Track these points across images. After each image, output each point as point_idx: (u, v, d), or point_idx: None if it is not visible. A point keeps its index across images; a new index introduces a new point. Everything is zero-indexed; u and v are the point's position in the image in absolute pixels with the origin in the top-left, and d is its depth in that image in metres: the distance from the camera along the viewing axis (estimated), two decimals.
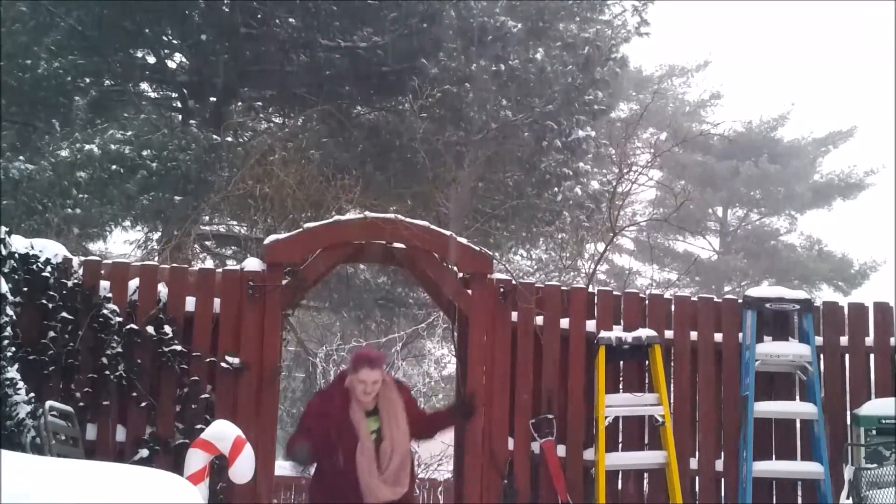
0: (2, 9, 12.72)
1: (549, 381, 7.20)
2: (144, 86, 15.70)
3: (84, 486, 3.28)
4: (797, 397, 7.40)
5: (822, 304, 7.77)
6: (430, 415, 5.99)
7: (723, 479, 7.21)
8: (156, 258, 12.09)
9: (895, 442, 6.81)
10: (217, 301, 7.10)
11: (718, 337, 7.39)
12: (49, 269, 6.84)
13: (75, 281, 6.94)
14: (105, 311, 6.87)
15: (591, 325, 7.29)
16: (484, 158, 13.54)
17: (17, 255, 6.65)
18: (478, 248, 7.39)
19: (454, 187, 12.61)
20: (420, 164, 13.20)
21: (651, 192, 24.66)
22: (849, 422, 7.25)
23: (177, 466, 6.08)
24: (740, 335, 7.33)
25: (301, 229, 7.41)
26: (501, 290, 7.21)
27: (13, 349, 6.23)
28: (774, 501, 7.26)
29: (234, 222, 14.98)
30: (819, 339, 7.36)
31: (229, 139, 13.10)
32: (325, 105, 13.82)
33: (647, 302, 7.50)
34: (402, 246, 7.30)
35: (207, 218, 14.16)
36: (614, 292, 7.63)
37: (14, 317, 6.34)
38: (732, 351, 7.35)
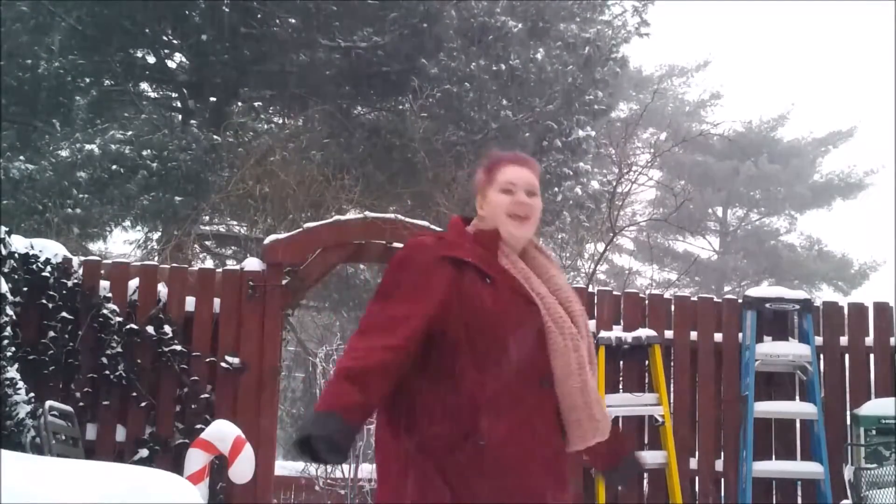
0: (2, 9, 12.71)
1: None
2: (144, 86, 15.69)
3: (84, 486, 3.28)
4: (797, 397, 7.40)
5: (822, 304, 7.77)
6: None
7: (723, 479, 7.21)
8: (156, 258, 12.09)
9: (895, 442, 6.81)
10: (217, 301, 7.10)
11: (718, 337, 7.38)
12: (49, 269, 6.83)
13: (75, 281, 6.94)
14: (105, 311, 6.87)
15: (591, 325, 7.29)
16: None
17: (17, 255, 6.65)
18: None
19: (454, 187, 12.60)
20: (420, 164, 13.19)
21: (651, 192, 24.69)
22: (849, 422, 7.25)
23: (177, 466, 6.09)
24: (740, 335, 7.32)
25: (301, 229, 7.42)
26: None
27: (13, 349, 6.23)
28: (774, 501, 7.26)
29: (234, 222, 14.97)
30: (819, 339, 7.36)
31: (230, 139, 13.08)
32: (325, 105, 13.82)
33: (647, 302, 7.50)
34: (402, 246, 7.30)
35: (207, 218, 14.15)
36: (614, 292, 7.63)
37: (14, 317, 6.34)
38: (732, 351, 7.35)
